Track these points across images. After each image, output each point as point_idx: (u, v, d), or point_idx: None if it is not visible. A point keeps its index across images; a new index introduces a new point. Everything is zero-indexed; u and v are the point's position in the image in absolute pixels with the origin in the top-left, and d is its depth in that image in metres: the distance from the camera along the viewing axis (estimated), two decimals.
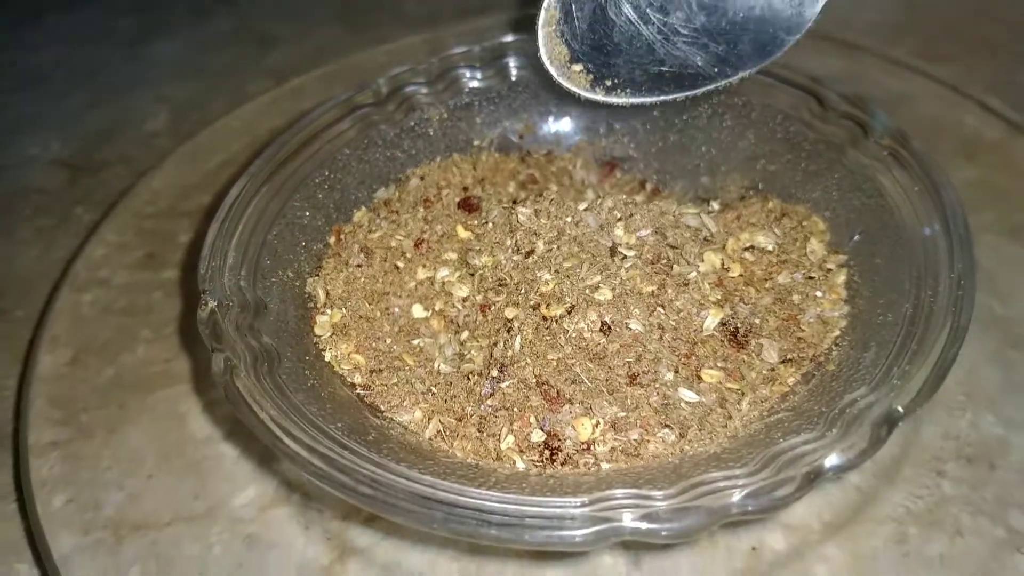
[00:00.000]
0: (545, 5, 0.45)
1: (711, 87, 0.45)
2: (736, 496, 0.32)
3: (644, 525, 0.32)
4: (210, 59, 0.92)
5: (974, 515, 0.44)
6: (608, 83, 0.45)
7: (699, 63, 0.43)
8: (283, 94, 0.79)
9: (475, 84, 0.56)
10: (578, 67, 0.45)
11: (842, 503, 0.45)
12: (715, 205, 0.50)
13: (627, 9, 0.43)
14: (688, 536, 0.32)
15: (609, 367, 0.41)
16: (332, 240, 0.50)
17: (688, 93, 0.45)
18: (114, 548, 0.47)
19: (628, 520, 0.32)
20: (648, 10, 0.43)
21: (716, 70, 0.44)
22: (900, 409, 0.35)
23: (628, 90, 0.45)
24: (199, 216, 0.68)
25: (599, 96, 0.46)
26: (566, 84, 0.46)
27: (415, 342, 0.46)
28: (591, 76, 0.46)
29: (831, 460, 0.33)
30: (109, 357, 0.58)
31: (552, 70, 0.46)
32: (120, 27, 1.00)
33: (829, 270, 0.45)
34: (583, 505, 0.33)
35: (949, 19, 0.82)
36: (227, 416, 0.53)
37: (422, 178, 0.53)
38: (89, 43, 0.98)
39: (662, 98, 0.45)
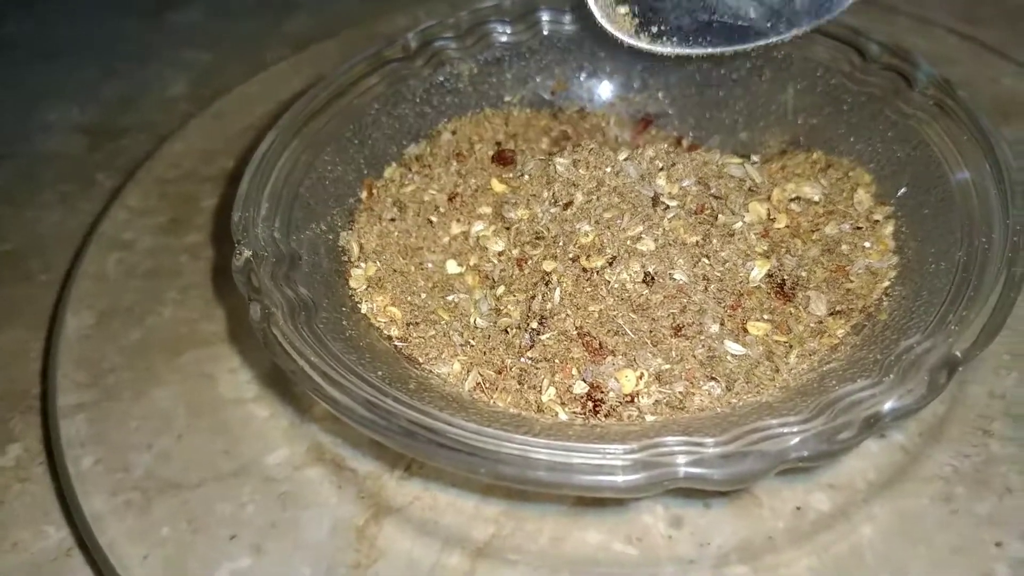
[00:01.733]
0: None
1: (763, 43, 0.43)
2: (793, 440, 0.31)
3: (698, 470, 0.31)
4: (228, 27, 0.91)
5: (1023, 474, 0.43)
6: (654, 29, 0.44)
7: (752, 15, 0.42)
8: (302, 60, 0.78)
9: (505, 39, 0.55)
10: (623, 9, 0.44)
11: (887, 463, 0.44)
12: (756, 159, 0.48)
13: None
14: (744, 482, 0.31)
15: (653, 318, 0.40)
16: (364, 195, 0.49)
17: (737, 47, 0.44)
18: (144, 508, 0.46)
19: (682, 464, 0.31)
20: None
21: (769, 24, 0.42)
22: (959, 354, 0.34)
23: (675, 39, 0.44)
24: (222, 181, 0.67)
25: (643, 43, 0.44)
26: (609, 27, 0.44)
27: (450, 298, 0.46)
28: (636, 20, 0.44)
29: (890, 405, 0.32)
30: (135, 319, 0.57)
31: (596, 10, 0.44)
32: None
33: (876, 221, 0.44)
34: (633, 451, 0.32)
35: None
36: (256, 377, 0.53)
37: (454, 132, 0.52)
38: (105, 14, 0.97)
39: (710, 50, 0.44)
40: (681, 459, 0.31)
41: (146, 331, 0.57)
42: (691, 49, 0.44)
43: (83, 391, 0.53)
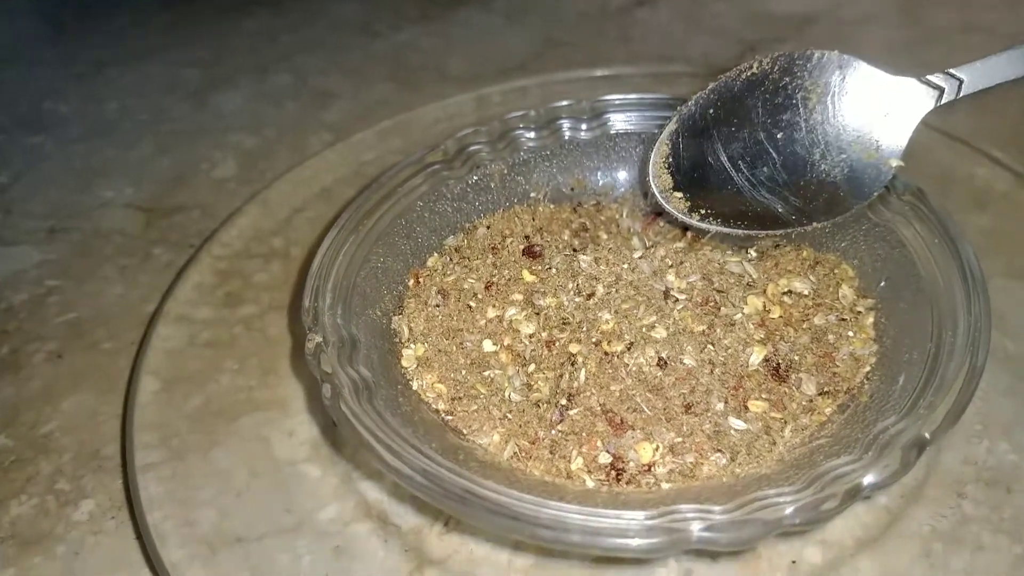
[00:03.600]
0: (659, 141, 0.53)
1: (787, 231, 0.51)
2: (787, 510, 0.37)
3: (708, 534, 0.37)
4: (271, 112, 0.98)
5: (994, 533, 0.48)
6: (702, 212, 0.52)
7: (779, 210, 0.50)
8: (344, 148, 0.85)
9: (532, 144, 0.62)
10: (679, 195, 0.53)
11: (873, 521, 0.49)
12: (752, 253, 0.55)
13: (723, 158, 0.51)
14: (746, 545, 0.37)
15: (666, 398, 0.46)
16: (411, 283, 0.56)
17: (768, 232, 0.52)
18: (211, 559, 0.51)
19: (695, 530, 0.37)
20: (740, 162, 0.50)
21: (793, 217, 0.50)
22: (927, 435, 0.40)
23: (718, 220, 0.52)
24: (272, 257, 0.74)
25: (693, 221, 0.53)
26: (667, 207, 0.53)
27: (486, 373, 0.52)
28: (688, 203, 0.53)
29: (868, 479, 0.38)
30: (197, 386, 0.62)
31: (657, 193, 0.53)
32: (182, 79, 1.06)
33: (859, 312, 0.51)
34: (653, 517, 0.38)
35: None
36: (308, 439, 0.58)
37: (488, 227, 0.59)
38: (151, 93, 1.04)
39: (746, 232, 0.52)
40: (694, 525, 0.37)
41: (207, 397, 0.62)
42: (731, 229, 0.52)
43: (151, 451, 0.58)
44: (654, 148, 0.53)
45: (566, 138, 0.62)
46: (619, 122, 0.62)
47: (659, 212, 0.63)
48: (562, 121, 0.62)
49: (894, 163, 0.49)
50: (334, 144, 0.85)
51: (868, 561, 0.48)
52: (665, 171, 0.53)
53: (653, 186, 0.53)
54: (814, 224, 0.51)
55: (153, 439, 0.59)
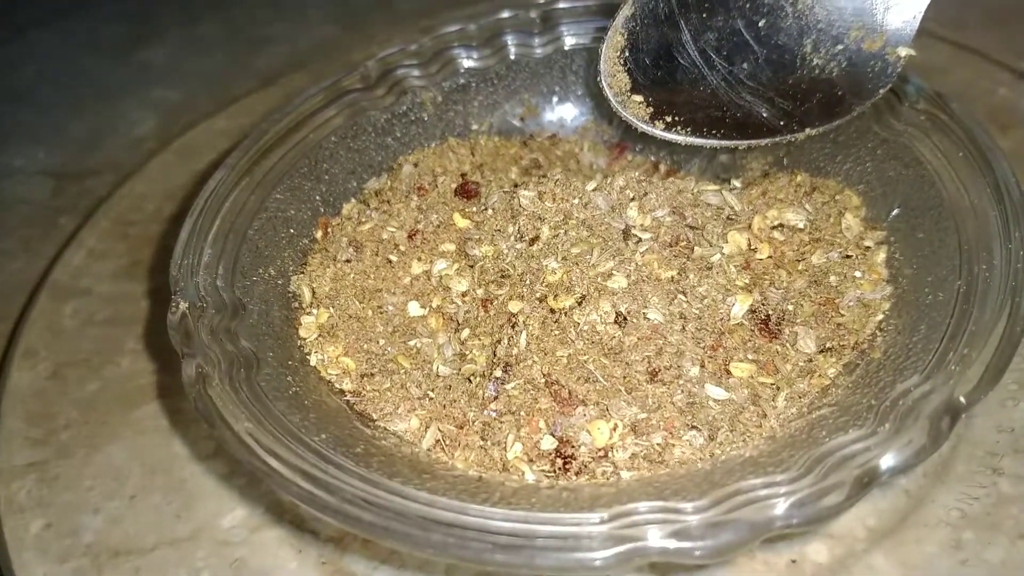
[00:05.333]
0: (612, 29, 0.43)
1: (775, 140, 0.43)
2: (780, 507, 0.28)
3: (674, 544, 0.27)
4: (199, 63, 0.89)
5: None
6: (668, 119, 0.44)
7: (764, 115, 0.41)
8: (273, 93, 0.76)
9: (471, 64, 0.52)
10: (638, 98, 0.44)
11: (889, 508, 0.41)
12: (736, 183, 0.45)
13: (693, 52, 0.42)
14: (725, 555, 0.28)
15: (626, 363, 0.37)
16: (319, 234, 0.46)
17: (750, 142, 0.43)
18: None
19: (655, 538, 0.27)
20: (713, 56, 0.41)
21: (781, 123, 0.42)
22: (962, 399, 0.30)
23: (688, 129, 0.43)
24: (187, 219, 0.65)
25: (657, 131, 0.44)
26: (624, 113, 0.44)
27: (411, 343, 0.43)
28: (651, 109, 0.44)
29: (886, 460, 0.29)
30: (92, 370, 0.55)
31: (611, 98, 0.44)
32: (106, 36, 0.97)
33: (867, 248, 0.41)
34: (602, 521, 0.29)
35: None
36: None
37: (415, 165, 0.49)
38: (73, 54, 0.95)
39: (723, 143, 0.43)
40: (655, 532, 0.27)
41: (103, 382, 0.54)
42: (704, 140, 0.43)
43: (34, 449, 0.50)
44: (605, 40, 0.43)
45: (512, 57, 0.53)
46: (576, 35, 0.52)
47: (626, 145, 0.53)
48: (507, 36, 0.52)
49: (903, 52, 0.39)
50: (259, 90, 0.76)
51: (884, 557, 0.40)
52: (620, 69, 0.43)
53: (606, 87, 0.44)
54: (807, 131, 0.41)
55: (36, 434, 0.51)
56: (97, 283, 0.60)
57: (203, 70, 0.87)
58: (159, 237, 0.64)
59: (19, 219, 0.73)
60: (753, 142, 0.42)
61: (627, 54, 0.43)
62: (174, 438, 0.50)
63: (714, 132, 0.42)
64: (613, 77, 0.43)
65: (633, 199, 0.41)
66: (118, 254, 0.62)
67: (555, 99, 0.54)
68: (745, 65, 0.40)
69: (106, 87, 0.88)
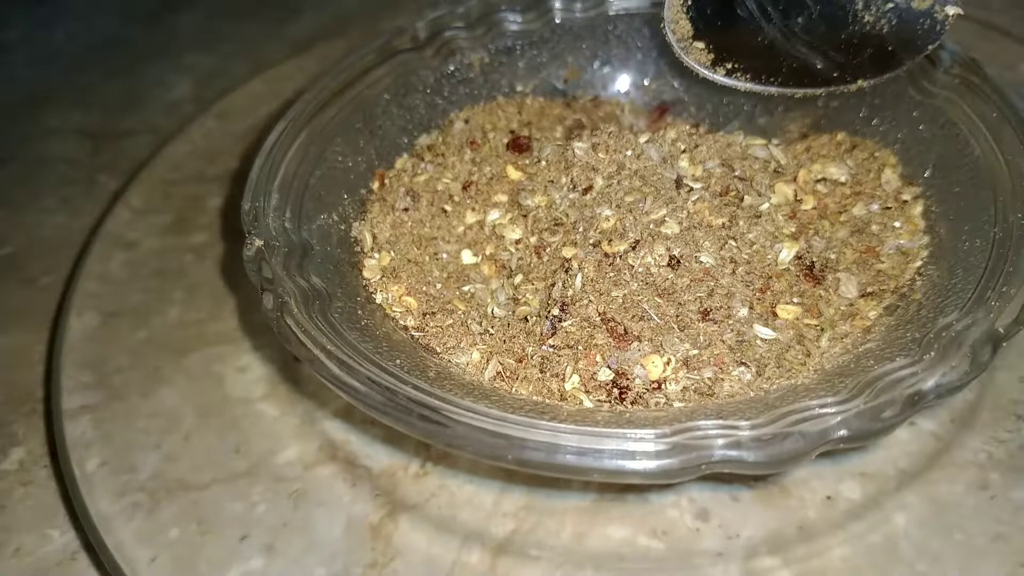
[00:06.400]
0: None
1: (830, 89, 0.44)
2: (836, 419, 0.30)
3: (736, 452, 0.29)
4: (231, 28, 0.90)
5: None
6: (728, 66, 0.45)
7: (818, 66, 0.43)
8: (308, 59, 0.77)
9: (516, 27, 0.54)
10: (700, 44, 0.45)
11: (919, 450, 0.43)
12: (777, 143, 0.47)
13: (751, 5, 0.43)
14: (784, 465, 0.30)
15: (679, 303, 0.38)
16: (376, 185, 0.48)
17: (807, 90, 0.44)
18: (152, 509, 0.45)
19: (718, 446, 0.29)
20: (771, 9, 0.43)
21: (835, 75, 0.43)
22: (1001, 329, 0.32)
23: (748, 76, 0.44)
24: (227, 181, 0.66)
25: (718, 76, 0.45)
26: (687, 60, 0.45)
27: (465, 288, 0.44)
28: (712, 56, 0.45)
29: (933, 381, 0.31)
30: (141, 320, 0.56)
31: (674, 43, 0.45)
32: (140, 3, 0.98)
33: (905, 201, 0.43)
34: (666, 435, 0.31)
35: None
36: (265, 376, 0.51)
37: (466, 121, 0.51)
38: (104, 18, 0.96)
39: (781, 90, 0.44)
40: (718, 441, 0.29)
41: (152, 331, 0.55)
42: (762, 87, 0.45)
43: (88, 392, 0.51)
44: None
45: (557, 21, 0.54)
46: (619, 1, 0.53)
47: (666, 107, 0.55)
48: (552, 0, 0.53)
49: (951, 11, 0.41)
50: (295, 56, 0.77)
51: (915, 495, 0.42)
52: (684, 16, 0.45)
53: (669, 34, 0.45)
54: (859, 83, 0.43)
55: (89, 379, 0.53)
56: (144, 237, 0.61)
57: (235, 36, 0.88)
58: (201, 196, 0.65)
59: (58, 177, 0.74)
60: (808, 90, 0.44)
61: (690, 2, 0.44)
62: (224, 382, 0.51)
63: (771, 80, 0.44)
64: (676, 23, 0.44)
65: (684, 151, 0.42)
66: (162, 211, 0.64)
67: (597, 63, 0.55)
68: (800, 19, 0.42)
69: (138, 51, 0.89)
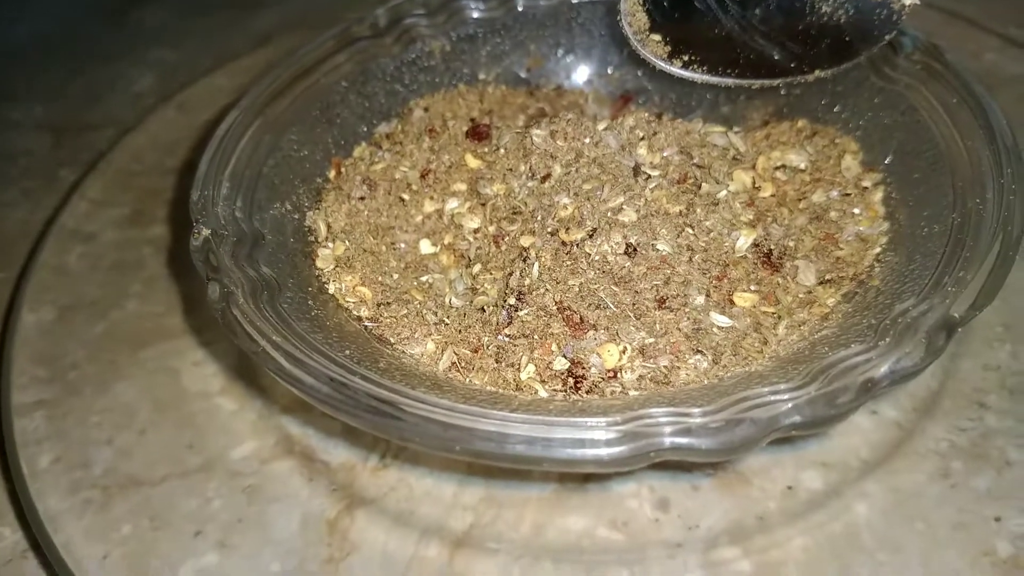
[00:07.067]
0: None
1: (786, 80, 0.44)
2: (787, 406, 0.29)
3: (686, 440, 0.29)
4: (194, 24, 0.89)
5: (1021, 447, 0.42)
6: (685, 58, 0.45)
7: (775, 57, 0.43)
8: (270, 52, 0.76)
9: (478, 14, 0.53)
10: (657, 37, 0.45)
11: (880, 439, 0.43)
12: (738, 130, 0.47)
13: None
14: (735, 452, 0.29)
15: (635, 291, 0.38)
16: (332, 174, 0.47)
17: (763, 81, 0.44)
18: (105, 505, 0.44)
19: (668, 434, 0.29)
20: (728, 1, 0.43)
21: (793, 65, 0.43)
22: (957, 315, 0.32)
23: (705, 68, 0.44)
24: (187, 173, 0.65)
25: (674, 69, 0.45)
26: (643, 52, 0.45)
27: (423, 278, 0.44)
28: (668, 48, 0.45)
29: (887, 367, 0.30)
30: (98, 313, 0.55)
31: (631, 36, 0.45)
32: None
33: (865, 188, 0.43)
34: (617, 424, 0.30)
35: None
36: (222, 370, 0.51)
37: (426, 109, 0.50)
38: (69, 15, 0.94)
39: (737, 81, 0.44)
40: (667, 429, 0.29)
41: (109, 324, 0.54)
42: (719, 79, 0.45)
43: (42, 387, 0.50)
44: None
45: (520, 8, 0.53)
46: None
47: (630, 96, 0.54)
48: None
49: (908, 1, 0.40)
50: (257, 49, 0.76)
51: (877, 484, 0.41)
52: (640, 8, 0.44)
53: (625, 27, 0.45)
54: (816, 73, 0.43)
55: (43, 373, 0.52)
56: (102, 230, 0.60)
57: (200, 31, 0.87)
58: (160, 189, 0.64)
59: (19, 171, 0.73)
60: (765, 82, 0.43)
61: None
62: (180, 376, 0.51)
63: (729, 71, 0.44)
64: (633, 16, 0.44)
65: (643, 138, 0.42)
66: (121, 203, 0.63)
67: (560, 51, 0.55)
68: (758, 11, 0.42)
69: (103, 46, 0.87)
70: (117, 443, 0.47)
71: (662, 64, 0.45)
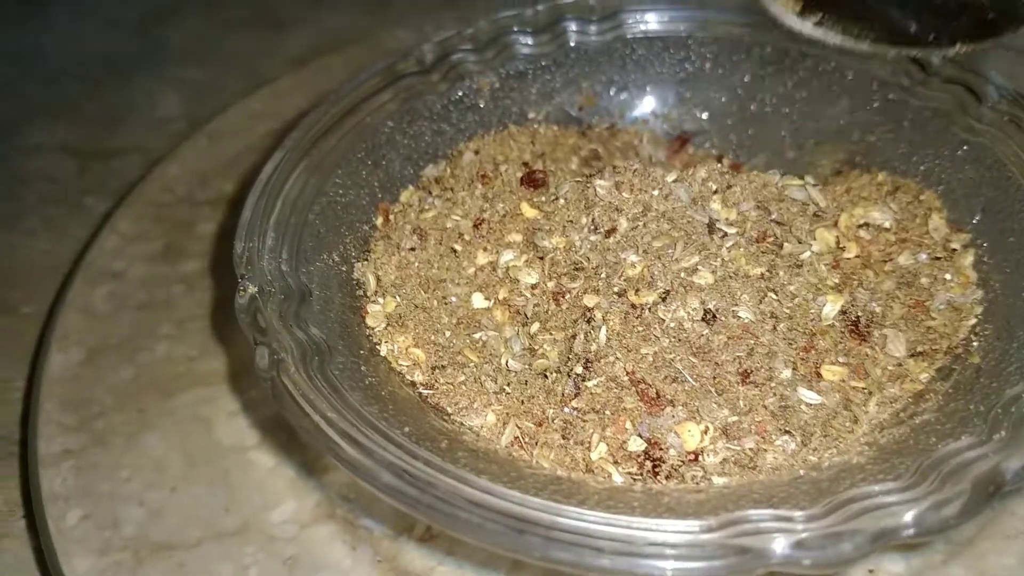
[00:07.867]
0: None
1: (923, 51, 0.42)
2: (902, 516, 0.26)
3: (796, 552, 0.26)
4: (223, 44, 0.87)
5: None
6: (816, 18, 0.42)
7: (911, 29, 0.40)
8: (305, 75, 0.74)
9: (528, 50, 0.50)
10: None
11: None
12: (811, 180, 0.44)
13: None
14: (847, 564, 0.26)
15: (716, 363, 0.35)
16: (379, 221, 0.45)
17: (900, 50, 0.42)
18: (135, 570, 0.42)
19: (778, 548, 0.26)
20: None
21: (930, 38, 0.41)
22: None
23: (837, 28, 0.41)
24: (220, 205, 0.63)
25: (806, 27, 0.42)
26: (772, 8, 0.42)
27: (476, 335, 0.41)
28: (800, 4, 0.42)
29: (1010, 466, 0.27)
30: (126, 356, 0.52)
31: None
32: (127, 15, 0.94)
33: (954, 250, 0.40)
34: (713, 529, 0.27)
35: None
36: (259, 421, 0.48)
37: (476, 152, 0.47)
38: (89, 31, 0.92)
39: (871, 47, 0.41)
40: (774, 539, 0.26)
41: (138, 368, 0.52)
42: (852, 43, 0.41)
43: (69, 435, 0.48)
44: None
45: (572, 44, 0.51)
46: (638, 23, 0.50)
47: (687, 137, 0.51)
48: (566, 22, 0.50)
49: None
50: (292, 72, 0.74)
51: (963, 569, 0.39)
52: None
53: None
54: (956, 48, 0.40)
55: (70, 420, 0.49)
56: (131, 266, 0.58)
57: (228, 51, 0.85)
58: (191, 222, 0.62)
59: (40, 197, 0.71)
60: (902, 50, 0.41)
61: None
62: (214, 428, 0.48)
63: (862, 34, 0.41)
64: None
65: (716, 192, 0.39)
66: (151, 237, 0.60)
67: (613, 89, 0.52)
68: None
69: (126, 65, 0.86)
70: (148, 501, 0.45)
71: (793, 20, 0.42)
